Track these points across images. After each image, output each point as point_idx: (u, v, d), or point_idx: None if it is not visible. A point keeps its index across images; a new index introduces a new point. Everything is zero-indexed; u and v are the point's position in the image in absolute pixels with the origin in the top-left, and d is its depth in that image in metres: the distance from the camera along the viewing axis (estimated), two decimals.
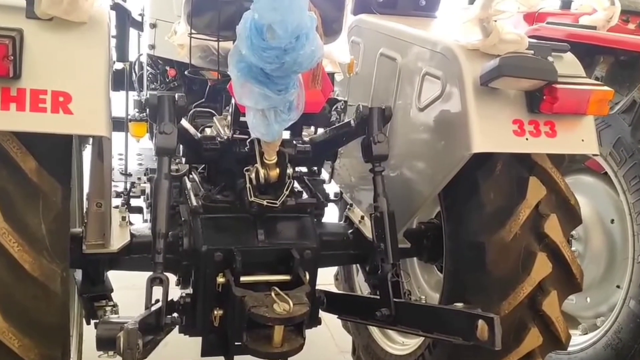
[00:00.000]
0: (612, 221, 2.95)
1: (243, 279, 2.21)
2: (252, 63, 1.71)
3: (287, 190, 2.24)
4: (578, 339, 2.94)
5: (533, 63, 1.94)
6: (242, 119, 2.25)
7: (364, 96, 2.77)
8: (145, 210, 2.88)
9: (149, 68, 4.16)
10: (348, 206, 2.87)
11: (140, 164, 3.41)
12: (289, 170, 2.26)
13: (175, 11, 3.61)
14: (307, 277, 2.29)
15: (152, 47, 3.86)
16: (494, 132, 2.01)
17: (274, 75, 1.74)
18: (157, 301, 2.02)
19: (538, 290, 2.15)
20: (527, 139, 2.03)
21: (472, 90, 2.02)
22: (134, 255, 2.33)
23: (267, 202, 2.23)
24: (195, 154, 2.41)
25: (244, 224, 2.34)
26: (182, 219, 2.41)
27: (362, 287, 3.12)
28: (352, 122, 2.35)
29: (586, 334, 2.99)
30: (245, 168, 2.22)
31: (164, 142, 2.01)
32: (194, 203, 2.36)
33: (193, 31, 2.15)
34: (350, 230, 2.76)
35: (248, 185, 2.21)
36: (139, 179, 3.08)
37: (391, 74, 2.56)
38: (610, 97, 2.02)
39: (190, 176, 2.56)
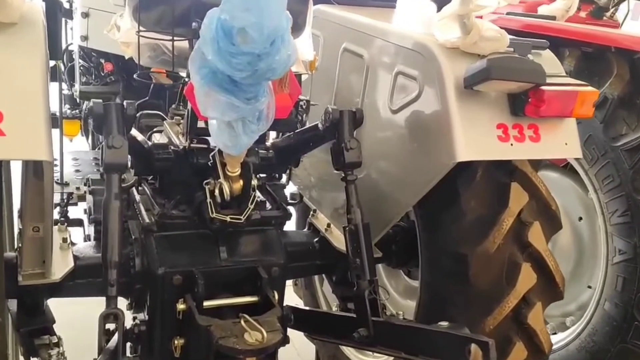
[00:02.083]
0: (580, 219, 2.90)
1: (206, 303, 2.00)
2: (218, 69, 1.49)
3: (251, 203, 2.04)
4: None
5: (521, 64, 1.81)
6: (200, 124, 2.03)
7: (326, 94, 2.58)
8: (86, 224, 2.59)
9: (81, 60, 3.81)
10: (312, 212, 2.69)
11: (77, 171, 3.08)
12: (254, 182, 2.06)
13: None
14: (276, 296, 2.10)
15: (85, 38, 3.53)
16: (478, 138, 1.87)
17: (243, 83, 1.53)
18: (108, 332, 1.79)
19: (523, 303, 2.04)
20: (511, 145, 1.90)
21: (454, 93, 1.87)
22: (79, 280, 2.07)
23: (231, 218, 2.01)
24: (145, 164, 2.15)
25: (203, 242, 2.12)
26: (133, 236, 2.16)
27: (326, 294, 2.95)
28: (319, 125, 2.16)
29: (555, 333, 2.95)
30: (205, 181, 2.00)
31: (113, 158, 1.76)
32: (146, 219, 2.11)
33: (142, 28, 1.89)
34: (315, 239, 2.58)
35: (209, 200, 1.98)
36: (78, 188, 2.77)
37: (357, 71, 2.38)
38: (595, 98, 1.92)
39: (140, 188, 2.30)
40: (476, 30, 1.89)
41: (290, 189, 2.94)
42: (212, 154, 1.93)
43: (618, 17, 4.07)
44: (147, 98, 2.96)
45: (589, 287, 2.83)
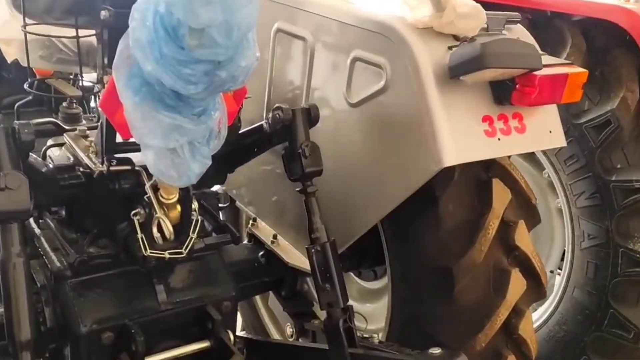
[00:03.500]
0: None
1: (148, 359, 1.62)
2: (158, 81, 1.08)
3: (194, 232, 1.65)
4: None
5: (517, 48, 1.55)
6: (118, 139, 1.60)
7: (258, 84, 2.18)
8: None
9: None
10: (251, 221, 2.33)
11: None
12: (194, 204, 1.66)
13: None
14: (231, 337, 1.75)
15: None
16: (465, 136, 1.59)
17: (191, 97, 1.13)
18: None
19: (512, 313, 1.83)
20: (499, 139, 1.64)
21: (433, 83, 1.57)
22: None
23: (170, 254, 1.61)
24: (47, 193, 1.68)
25: (135, 283, 1.71)
26: (39, 284, 1.70)
27: (273, 310, 2.60)
28: (265, 126, 1.78)
29: None
30: (133, 212, 1.58)
31: (10, 203, 1.31)
32: (57, 263, 1.66)
33: (28, 21, 1.41)
34: (260, 253, 2.24)
35: (140, 235, 1.57)
36: None
37: (299, 57, 2.01)
38: (584, 80, 1.70)
39: (41, 220, 1.82)
40: (451, 6, 1.59)
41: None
42: (146, 185, 1.50)
43: None
44: (29, 97, 2.41)
45: (551, 271, 2.70)
